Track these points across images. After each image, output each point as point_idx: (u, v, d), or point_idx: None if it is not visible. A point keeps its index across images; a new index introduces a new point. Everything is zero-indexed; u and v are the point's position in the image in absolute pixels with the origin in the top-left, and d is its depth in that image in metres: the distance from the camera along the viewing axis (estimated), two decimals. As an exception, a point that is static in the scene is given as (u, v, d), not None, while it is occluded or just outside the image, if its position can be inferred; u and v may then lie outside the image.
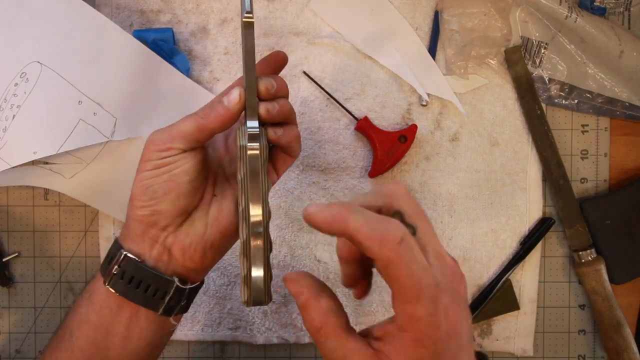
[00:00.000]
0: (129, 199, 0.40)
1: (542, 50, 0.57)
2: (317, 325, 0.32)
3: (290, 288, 0.33)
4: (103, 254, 0.58)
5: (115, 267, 0.39)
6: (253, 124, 0.39)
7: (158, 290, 0.39)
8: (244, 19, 0.38)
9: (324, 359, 0.33)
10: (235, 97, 0.39)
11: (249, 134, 0.39)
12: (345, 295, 0.58)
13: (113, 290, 0.39)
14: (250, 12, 0.38)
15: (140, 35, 0.54)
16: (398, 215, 0.32)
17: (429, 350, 0.29)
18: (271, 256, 0.59)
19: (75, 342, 0.40)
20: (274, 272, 0.59)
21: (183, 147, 0.39)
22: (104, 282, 0.39)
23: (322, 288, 0.34)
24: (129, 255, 0.39)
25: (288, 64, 0.57)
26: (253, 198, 0.39)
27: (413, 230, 0.31)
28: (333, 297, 0.34)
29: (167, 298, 0.39)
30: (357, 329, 0.60)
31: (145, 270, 0.39)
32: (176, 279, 0.40)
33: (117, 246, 0.40)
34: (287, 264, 0.58)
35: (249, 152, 0.39)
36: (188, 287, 0.41)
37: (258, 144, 0.39)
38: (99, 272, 0.41)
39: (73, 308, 0.41)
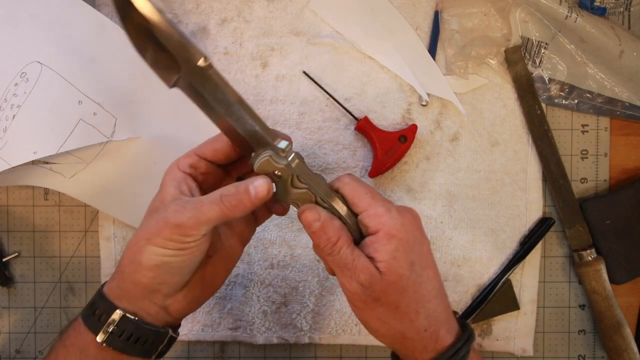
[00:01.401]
0: (126, 262, 0.39)
1: (542, 50, 0.57)
2: (334, 239, 0.39)
3: (307, 215, 0.40)
4: (103, 253, 0.58)
5: (112, 327, 0.39)
6: (284, 144, 0.40)
7: (154, 342, 0.41)
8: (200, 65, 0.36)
9: (334, 269, 0.40)
10: (263, 191, 0.39)
11: (280, 149, 0.40)
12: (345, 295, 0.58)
13: (111, 348, 0.39)
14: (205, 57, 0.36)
15: (140, 35, 0.54)
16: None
17: (399, 238, 0.39)
18: (271, 256, 0.59)
19: None
20: (275, 271, 0.59)
21: (206, 233, 0.39)
22: (99, 340, 0.39)
23: (333, 215, 0.41)
24: (129, 316, 0.39)
25: (288, 64, 0.57)
26: (323, 190, 0.40)
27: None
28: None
29: (161, 347, 0.41)
30: (358, 328, 0.60)
31: (144, 328, 0.40)
32: (170, 330, 0.41)
33: (108, 304, 0.40)
34: (287, 263, 0.58)
35: (294, 163, 0.40)
36: (177, 335, 0.43)
37: (293, 153, 0.40)
38: (80, 322, 0.40)
39: (55, 355, 0.41)
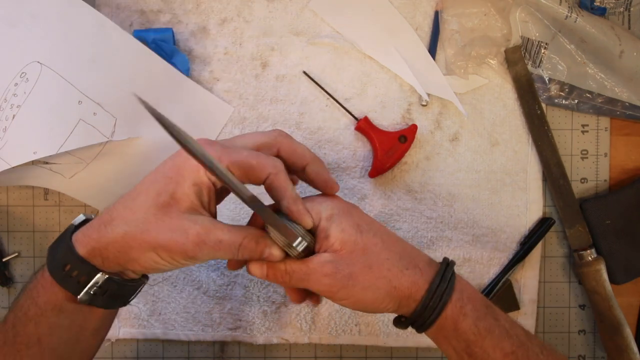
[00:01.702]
0: (117, 245, 0.39)
1: (542, 50, 0.57)
2: (283, 273, 0.41)
3: (254, 271, 0.42)
4: (103, 254, 0.58)
5: (95, 288, 0.40)
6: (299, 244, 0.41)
7: (132, 292, 0.43)
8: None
9: (303, 286, 0.42)
10: (277, 256, 0.41)
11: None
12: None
13: (93, 305, 0.41)
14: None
15: (140, 35, 0.54)
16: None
17: (334, 214, 0.41)
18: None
19: (46, 346, 0.41)
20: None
21: (194, 262, 0.41)
22: (80, 300, 0.40)
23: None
24: (114, 278, 0.40)
25: (288, 64, 0.57)
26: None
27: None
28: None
29: (137, 292, 0.44)
30: (358, 328, 0.60)
31: (127, 285, 0.42)
32: (145, 279, 0.44)
33: (89, 267, 0.39)
34: (287, 264, 0.58)
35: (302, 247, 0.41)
36: (148, 277, 0.44)
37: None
38: (50, 280, 0.40)
39: (24, 311, 0.41)
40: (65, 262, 0.40)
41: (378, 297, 0.41)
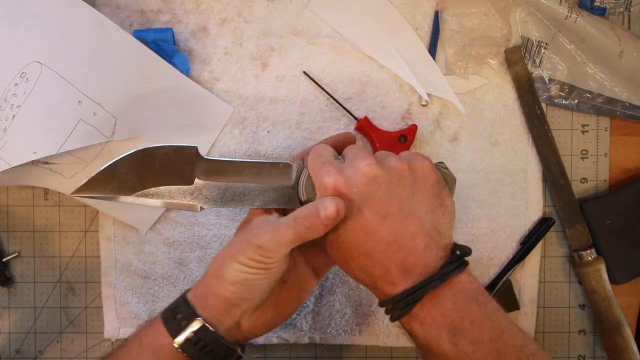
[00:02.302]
0: (210, 274, 0.42)
1: (542, 50, 0.57)
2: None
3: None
4: (103, 254, 0.58)
5: (191, 334, 0.41)
6: (295, 168, 0.45)
7: (223, 358, 0.43)
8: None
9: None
10: (332, 212, 0.39)
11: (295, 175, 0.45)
12: (345, 295, 0.58)
13: (185, 354, 0.41)
14: None
15: (140, 35, 0.54)
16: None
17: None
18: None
19: None
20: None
21: (285, 253, 0.41)
22: (176, 344, 0.41)
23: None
24: (208, 327, 0.41)
25: (288, 64, 0.57)
26: None
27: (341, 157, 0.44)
28: None
29: None
30: (358, 329, 0.60)
31: (219, 342, 0.42)
32: (239, 349, 0.43)
33: (191, 311, 0.42)
34: (287, 264, 0.58)
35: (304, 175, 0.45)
36: (245, 357, 0.45)
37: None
38: (159, 322, 0.42)
39: (129, 348, 0.43)
40: (176, 305, 0.43)
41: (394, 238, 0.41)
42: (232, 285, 0.40)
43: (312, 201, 0.42)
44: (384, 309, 0.43)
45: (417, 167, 0.42)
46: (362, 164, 0.41)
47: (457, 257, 0.41)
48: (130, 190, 0.43)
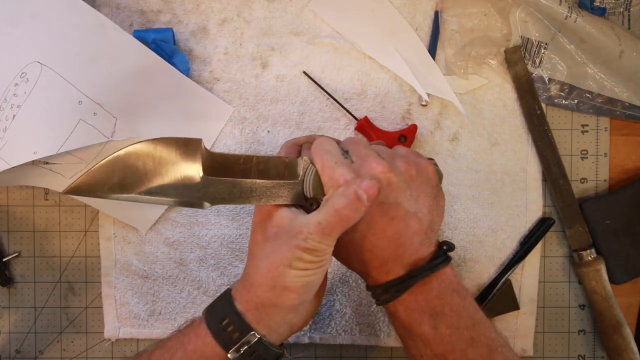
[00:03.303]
0: (264, 288, 0.41)
1: (542, 50, 0.57)
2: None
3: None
4: (103, 254, 0.58)
5: (246, 347, 0.41)
6: (300, 164, 0.44)
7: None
8: None
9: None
10: (373, 192, 0.39)
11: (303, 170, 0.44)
12: (345, 295, 0.58)
13: None
14: None
15: (140, 35, 0.54)
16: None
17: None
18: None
19: None
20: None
21: (334, 242, 0.41)
22: (229, 357, 0.41)
23: None
24: (264, 341, 0.42)
25: (288, 64, 0.57)
26: None
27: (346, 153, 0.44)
28: None
29: None
30: (358, 329, 0.60)
31: (271, 351, 0.42)
32: (285, 351, 0.44)
33: (245, 325, 0.41)
34: (287, 264, 0.58)
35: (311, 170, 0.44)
36: (292, 357, 0.47)
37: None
38: (205, 330, 0.42)
39: (171, 353, 0.43)
40: (224, 315, 0.42)
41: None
42: (295, 293, 0.40)
43: (318, 198, 0.42)
44: (371, 292, 0.45)
45: (422, 171, 0.45)
46: (376, 170, 0.41)
47: (444, 252, 0.44)
48: (132, 188, 0.40)
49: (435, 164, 0.47)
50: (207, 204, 0.41)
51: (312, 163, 0.43)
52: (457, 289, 0.44)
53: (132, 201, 0.41)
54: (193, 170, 0.41)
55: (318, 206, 0.42)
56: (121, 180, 0.40)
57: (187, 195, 0.41)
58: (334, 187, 0.41)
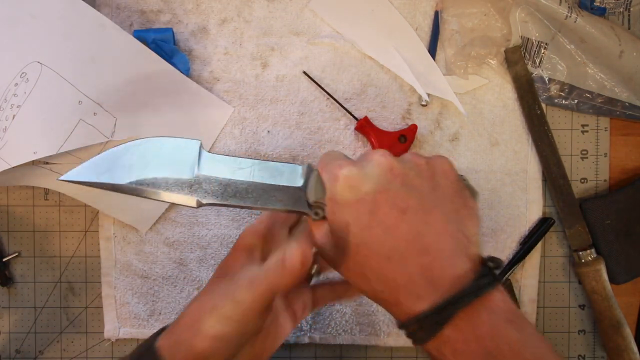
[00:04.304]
0: (184, 324, 0.39)
1: (542, 50, 0.57)
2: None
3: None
4: (103, 254, 0.58)
5: None
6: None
7: None
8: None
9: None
10: (296, 263, 0.36)
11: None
12: (345, 295, 0.58)
13: None
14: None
15: (140, 35, 0.54)
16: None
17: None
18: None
19: None
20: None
21: (265, 307, 0.38)
22: None
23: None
24: None
25: (288, 64, 0.57)
26: None
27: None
28: None
29: None
30: (358, 329, 0.60)
31: None
32: None
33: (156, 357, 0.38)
34: (287, 264, 0.58)
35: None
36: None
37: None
38: None
39: None
40: (141, 355, 0.39)
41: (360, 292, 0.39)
42: (208, 339, 0.37)
43: (321, 203, 0.38)
44: (405, 332, 0.36)
45: (435, 163, 0.38)
46: (376, 155, 0.37)
47: (489, 270, 0.35)
48: (124, 176, 0.39)
49: (465, 179, 0.40)
50: (198, 202, 0.39)
51: (316, 168, 0.41)
52: (512, 319, 0.34)
53: (124, 192, 0.40)
54: (187, 166, 0.40)
55: (322, 212, 0.38)
56: (113, 167, 0.40)
57: (179, 190, 0.39)
58: (330, 182, 0.37)
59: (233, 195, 0.39)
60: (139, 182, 0.39)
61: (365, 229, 0.35)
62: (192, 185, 0.39)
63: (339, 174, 0.36)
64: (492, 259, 0.36)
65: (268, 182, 0.40)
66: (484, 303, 0.34)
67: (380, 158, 0.36)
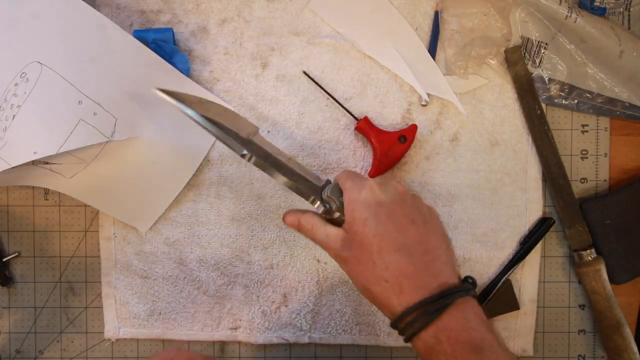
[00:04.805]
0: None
1: (542, 50, 0.57)
2: (309, 226, 0.48)
3: (287, 219, 0.49)
4: (103, 254, 0.58)
5: None
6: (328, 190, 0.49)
7: None
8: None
9: (317, 244, 0.48)
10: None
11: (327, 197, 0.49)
12: (345, 295, 0.58)
13: None
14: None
15: (140, 35, 0.54)
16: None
17: (353, 200, 0.46)
18: (271, 256, 0.59)
19: None
20: (274, 271, 0.59)
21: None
22: None
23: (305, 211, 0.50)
24: None
25: (288, 64, 0.57)
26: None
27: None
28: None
29: None
30: (358, 329, 0.60)
31: None
32: None
33: None
34: (287, 263, 0.58)
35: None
36: None
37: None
38: None
39: None
40: None
41: (359, 286, 0.45)
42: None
43: (333, 198, 0.47)
44: (408, 318, 0.42)
45: (423, 206, 0.48)
46: (393, 181, 0.48)
47: (470, 283, 0.45)
48: (195, 105, 0.44)
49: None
50: (243, 154, 0.46)
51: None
52: (487, 322, 0.42)
53: (190, 117, 0.44)
54: (246, 127, 0.48)
55: (328, 206, 0.48)
56: (198, 103, 0.46)
57: (234, 137, 0.45)
58: (357, 187, 0.46)
59: (272, 165, 0.47)
60: (206, 111, 0.45)
61: (381, 224, 0.44)
62: (245, 143, 0.46)
63: (366, 184, 0.46)
64: (470, 277, 0.45)
65: (298, 171, 0.49)
66: (469, 301, 0.42)
67: (397, 184, 0.47)
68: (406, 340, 0.43)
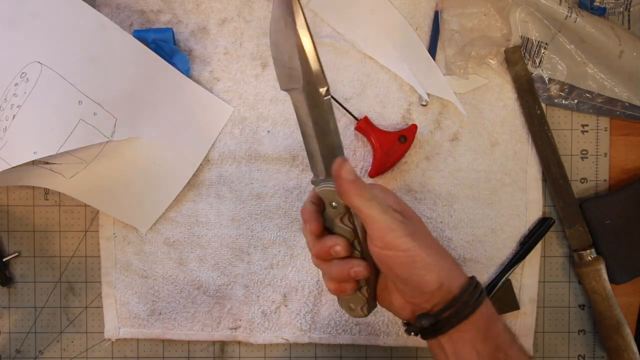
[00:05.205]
0: None
1: (542, 50, 0.57)
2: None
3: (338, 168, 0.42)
4: (103, 254, 0.58)
5: None
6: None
7: None
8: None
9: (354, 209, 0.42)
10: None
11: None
12: (345, 295, 0.58)
13: None
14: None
15: (140, 35, 0.54)
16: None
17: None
18: (271, 255, 0.59)
19: None
20: (274, 271, 0.59)
21: None
22: None
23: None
24: None
25: (288, 63, 0.57)
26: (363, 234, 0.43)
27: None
28: None
29: None
30: (358, 329, 0.60)
31: None
32: None
33: None
34: (287, 263, 0.58)
35: None
36: None
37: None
38: None
39: None
40: None
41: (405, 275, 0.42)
42: None
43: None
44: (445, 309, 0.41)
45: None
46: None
47: (477, 281, 0.43)
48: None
49: None
50: (291, 89, 0.42)
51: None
52: (503, 322, 0.43)
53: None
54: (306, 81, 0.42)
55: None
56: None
57: (296, 75, 0.41)
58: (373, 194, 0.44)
59: (316, 123, 0.42)
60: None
61: (409, 211, 0.46)
62: (302, 86, 0.41)
63: (384, 187, 0.48)
64: (473, 277, 0.43)
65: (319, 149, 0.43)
66: (486, 305, 0.42)
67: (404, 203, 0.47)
68: (464, 317, 0.41)
